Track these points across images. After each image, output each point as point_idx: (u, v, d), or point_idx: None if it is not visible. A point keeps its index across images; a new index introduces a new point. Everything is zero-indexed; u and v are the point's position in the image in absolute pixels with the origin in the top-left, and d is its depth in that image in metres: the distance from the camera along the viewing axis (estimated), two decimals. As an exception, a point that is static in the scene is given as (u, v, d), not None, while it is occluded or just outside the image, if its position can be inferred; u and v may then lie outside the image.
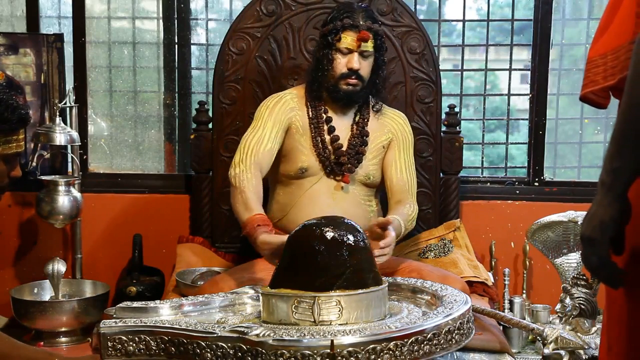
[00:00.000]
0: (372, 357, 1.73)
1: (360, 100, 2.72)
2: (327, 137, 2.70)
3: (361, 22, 2.60)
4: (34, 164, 3.23)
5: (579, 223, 2.82)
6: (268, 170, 2.63)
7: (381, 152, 2.77)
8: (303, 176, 2.70)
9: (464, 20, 3.53)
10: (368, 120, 2.75)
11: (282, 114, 2.68)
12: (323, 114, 2.71)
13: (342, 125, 2.73)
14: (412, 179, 2.77)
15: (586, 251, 1.43)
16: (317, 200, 2.69)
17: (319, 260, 1.95)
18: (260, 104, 2.75)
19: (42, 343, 2.95)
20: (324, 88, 2.69)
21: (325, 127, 2.70)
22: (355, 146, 2.71)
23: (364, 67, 2.64)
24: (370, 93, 2.74)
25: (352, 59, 2.61)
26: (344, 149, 2.70)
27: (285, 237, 2.08)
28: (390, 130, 2.78)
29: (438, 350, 1.84)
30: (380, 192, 2.88)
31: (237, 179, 2.50)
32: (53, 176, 3.22)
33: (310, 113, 2.71)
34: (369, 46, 2.62)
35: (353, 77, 2.63)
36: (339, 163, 2.69)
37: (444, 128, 3.24)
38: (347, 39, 2.60)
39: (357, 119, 2.74)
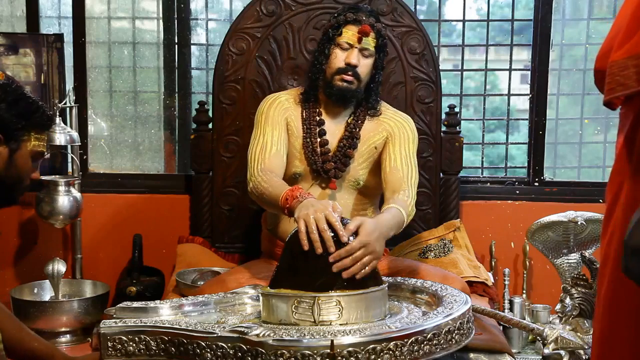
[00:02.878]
0: (372, 357, 1.73)
1: (353, 100, 2.60)
2: (318, 139, 2.61)
3: (364, 18, 2.53)
4: (34, 164, 3.23)
5: (579, 223, 2.82)
6: (283, 173, 2.53)
7: (373, 153, 2.63)
8: (297, 182, 2.60)
9: (464, 20, 3.53)
10: (362, 123, 2.63)
11: (277, 114, 2.61)
12: (316, 117, 2.63)
13: (334, 128, 2.64)
14: (409, 169, 2.55)
15: (632, 261, 1.34)
16: None
17: (319, 260, 1.96)
18: (258, 108, 2.68)
19: (42, 343, 2.95)
20: (320, 86, 2.61)
21: (317, 130, 2.62)
22: (342, 148, 2.61)
23: (363, 65, 2.54)
24: (368, 94, 2.63)
25: (351, 53, 2.52)
26: (331, 153, 2.61)
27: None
28: (386, 129, 2.64)
29: (438, 350, 1.84)
30: (380, 201, 2.75)
31: (256, 190, 2.39)
32: (53, 176, 3.22)
33: (304, 114, 2.64)
34: (370, 43, 2.53)
35: (349, 72, 2.52)
36: (325, 169, 2.59)
37: (444, 128, 3.24)
38: (348, 33, 2.53)
39: (349, 120, 2.64)
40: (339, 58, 2.54)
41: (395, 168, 2.54)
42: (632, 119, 1.43)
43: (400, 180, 2.51)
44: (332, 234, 1.98)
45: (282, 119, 2.61)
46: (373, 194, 2.69)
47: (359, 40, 2.52)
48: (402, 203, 2.37)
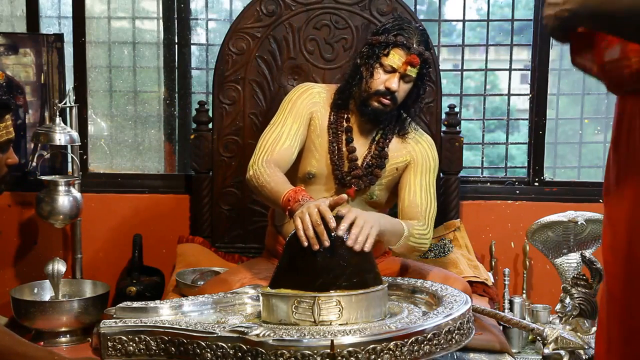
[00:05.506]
0: (372, 357, 1.73)
1: (385, 121, 2.54)
2: (344, 146, 2.55)
3: (414, 45, 2.42)
4: (34, 164, 3.23)
5: (579, 223, 2.83)
6: (287, 170, 2.46)
7: (393, 174, 2.58)
8: (308, 182, 2.57)
9: (464, 20, 3.53)
10: (389, 142, 2.57)
11: (304, 107, 2.53)
12: (344, 122, 2.56)
13: (361, 141, 2.57)
14: (428, 202, 2.51)
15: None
16: None
17: (319, 260, 1.96)
18: (288, 94, 2.61)
19: (42, 343, 2.94)
20: (354, 98, 2.54)
21: (344, 137, 2.55)
22: (370, 167, 2.54)
23: (402, 90, 2.46)
24: (399, 116, 2.57)
25: (392, 78, 2.43)
26: (359, 162, 2.55)
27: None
28: (410, 153, 2.58)
29: (438, 350, 1.84)
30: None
31: (256, 180, 2.34)
32: (53, 176, 3.22)
33: (331, 117, 2.56)
34: (414, 71, 2.44)
35: (388, 97, 2.45)
36: (351, 175, 2.53)
37: (444, 128, 3.24)
38: (395, 57, 2.42)
39: (377, 138, 2.57)
40: (380, 79, 2.45)
41: (414, 202, 2.51)
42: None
43: (417, 214, 2.49)
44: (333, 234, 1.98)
45: (307, 112, 2.54)
46: (383, 208, 2.66)
47: (405, 68, 2.44)
48: (407, 222, 2.38)
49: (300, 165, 2.56)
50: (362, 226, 2.00)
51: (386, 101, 2.46)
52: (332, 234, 1.98)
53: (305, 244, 1.95)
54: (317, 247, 1.95)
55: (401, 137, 2.59)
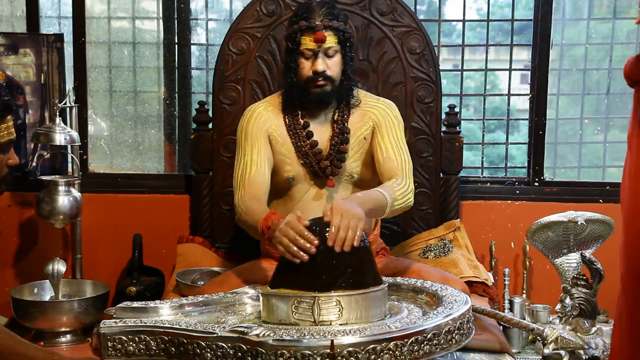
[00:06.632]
0: (372, 357, 1.73)
1: (333, 99, 2.60)
2: (307, 143, 2.60)
3: (317, 22, 2.48)
4: (34, 164, 3.23)
5: (579, 223, 2.82)
6: (269, 188, 2.55)
7: (363, 145, 2.63)
8: (292, 185, 2.63)
9: (464, 20, 3.53)
10: (348, 116, 2.63)
11: (256, 130, 2.60)
12: (300, 120, 2.62)
13: (321, 127, 2.63)
14: (402, 157, 2.58)
15: None
16: (310, 209, 2.54)
17: (319, 261, 1.96)
18: (239, 124, 2.67)
19: (42, 343, 2.94)
20: (296, 93, 2.59)
21: (303, 133, 2.61)
22: (336, 145, 2.60)
23: (331, 66, 2.52)
24: (345, 89, 2.60)
25: (316, 61, 2.50)
26: (324, 153, 2.60)
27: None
28: (371, 118, 2.63)
29: (438, 350, 1.84)
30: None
31: (241, 222, 2.44)
32: (53, 176, 3.22)
33: (287, 120, 2.62)
34: (331, 43, 2.50)
35: (320, 79, 2.51)
36: (322, 168, 2.59)
37: (444, 128, 3.24)
38: (306, 41, 2.50)
39: (336, 117, 2.62)
40: (306, 67, 2.53)
41: (388, 158, 2.57)
42: None
43: (394, 169, 2.54)
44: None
45: (261, 132, 2.60)
46: (369, 185, 2.65)
47: (319, 45, 2.49)
48: (387, 188, 2.40)
49: (278, 175, 2.62)
50: (347, 225, 2.00)
51: (321, 82, 2.52)
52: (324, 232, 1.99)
53: (298, 261, 1.97)
54: (306, 258, 1.97)
55: (359, 108, 2.64)
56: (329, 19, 2.51)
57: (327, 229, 2.00)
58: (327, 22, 2.50)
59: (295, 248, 1.99)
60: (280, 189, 2.65)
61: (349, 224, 2.00)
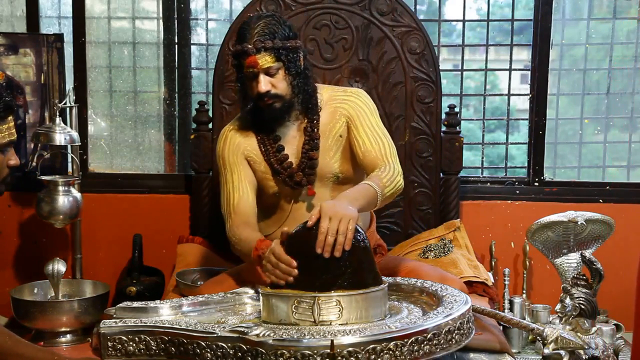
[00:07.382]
0: (372, 357, 1.74)
1: (290, 111, 2.51)
2: (277, 158, 2.55)
3: (249, 46, 2.39)
4: (34, 164, 3.23)
5: (579, 223, 2.82)
6: (255, 208, 2.55)
7: (340, 143, 2.56)
8: (280, 198, 2.59)
9: (464, 20, 3.53)
10: (318, 121, 2.55)
11: (232, 155, 2.57)
12: (271, 134, 2.56)
13: (292, 138, 2.56)
14: (380, 143, 2.50)
15: None
16: (304, 217, 2.37)
17: (319, 261, 1.96)
18: (216, 150, 2.64)
19: (42, 343, 2.94)
20: (253, 111, 2.54)
21: (274, 148, 2.55)
22: (307, 153, 2.53)
23: (275, 83, 2.43)
24: (302, 99, 2.52)
25: (257, 82, 2.42)
26: (295, 165, 2.54)
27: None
28: (343, 114, 2.55)
29: (438, 350, 1.84)
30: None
31: (235, 251, 2.47)
32: (53, 176, 3.22)
33: (258, 138, 2.57)
34: (269, 63, 2.41)
35: (266, 98, 2.44)
36: (295, 181, 2.53)
37: (444, 128, 3.24)
38: (245, 64, 2.42)
39: (304, 125, 2.55)
40: (252, 88, 2.46)
41: (367, 150, 2.49)
42: None
43: (375, 159, 2.48)
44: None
45: (238, 156, 2.57)
46: (357, 181, 2.56)
47: (255, 68, 2.41)
48: (373, 178, 2.36)
49: (264, 191, 2.59)
50: (336, 229, 1.99)
51: (269, 101, 2.46)
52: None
53: (291, 279, 2.00)
54: (291, 279, 2.00)
55: (328, 106, 2.57)
56: (262, 39, 2.40)
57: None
58: (259, 44, 2.39)
59: (278, 272, 2.02)
60: (270, 203, 2.62)
61: (338, 226, 1.99)
